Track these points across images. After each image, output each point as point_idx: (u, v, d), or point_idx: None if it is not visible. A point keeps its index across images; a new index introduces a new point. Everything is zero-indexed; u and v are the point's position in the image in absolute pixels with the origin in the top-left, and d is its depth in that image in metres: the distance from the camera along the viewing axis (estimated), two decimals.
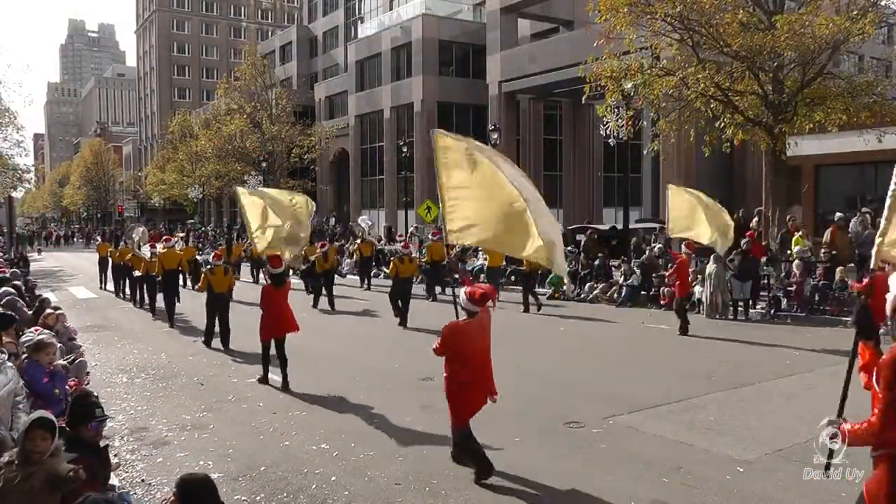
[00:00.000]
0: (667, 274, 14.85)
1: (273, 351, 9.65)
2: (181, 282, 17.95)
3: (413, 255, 17.45)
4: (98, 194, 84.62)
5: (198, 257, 22.56)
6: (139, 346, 12.85)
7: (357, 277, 23.14)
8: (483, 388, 6.08)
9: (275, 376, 9.57)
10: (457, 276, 13.29)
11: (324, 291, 17.61)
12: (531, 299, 16.42)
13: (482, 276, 19.47)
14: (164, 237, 18.91)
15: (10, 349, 6.56)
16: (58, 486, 3.86)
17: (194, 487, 3.44)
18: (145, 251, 17.45)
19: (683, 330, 12.84)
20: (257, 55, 48.09)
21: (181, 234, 37.54)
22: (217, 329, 12.47)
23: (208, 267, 13.03)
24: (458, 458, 6.20)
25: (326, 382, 9.58)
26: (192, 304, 16.21)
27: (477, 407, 6.07)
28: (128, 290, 19.94)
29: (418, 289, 17.98)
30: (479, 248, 19.48)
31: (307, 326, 12.22)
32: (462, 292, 6.22)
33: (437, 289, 19.27)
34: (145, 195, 71.80)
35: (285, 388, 9.29)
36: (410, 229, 31.83)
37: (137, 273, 17.61)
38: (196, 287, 14.62)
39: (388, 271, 16.36)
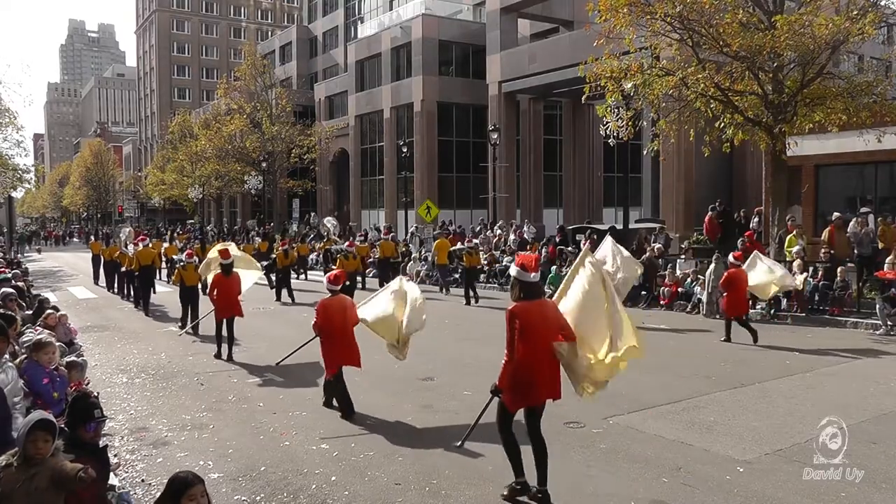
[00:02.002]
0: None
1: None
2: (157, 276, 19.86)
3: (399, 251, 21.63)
4: (98, 194, 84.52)
5: (174, 257, 24.05)
6: (139, 346, 12.85)
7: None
8: (344, 353, 8.07)
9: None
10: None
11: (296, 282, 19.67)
12: (471, 293, 18.24)
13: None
14: (140, 236, 20.69)
15: (9, 349, 6.55)
16: (64, 486, 3.86)
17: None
18: (132, 249, 19.37)
19: None
20: (257, 55, 48.07)
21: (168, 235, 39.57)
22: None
23: (181, 264, 14.80)
24: (328, 404, 8.29)
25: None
26: (169, 296, 17.08)
27: (341, 363, 8.07)
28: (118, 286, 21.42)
29: (373, 282, 20.72)
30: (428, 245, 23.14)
31: (307, 324, 12.20)
32: (326, 277, 8.61)
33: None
34: (145, 195, 71.78)
35: (229, 359, 11.18)
36: (411, 229, 31.85)
37: (124, 268, 19.36)
38: (171, 280, 16.11)
39: (334, 267, 18.31)
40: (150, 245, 19.61)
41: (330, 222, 30.62)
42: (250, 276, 13.09)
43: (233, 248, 13.14)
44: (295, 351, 9.94)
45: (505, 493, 5.58)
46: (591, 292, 5.78)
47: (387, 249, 21.25)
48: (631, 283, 13.81)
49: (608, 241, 13.53)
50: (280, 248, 20.27)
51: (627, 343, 5.61)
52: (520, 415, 5.65)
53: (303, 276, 24.83)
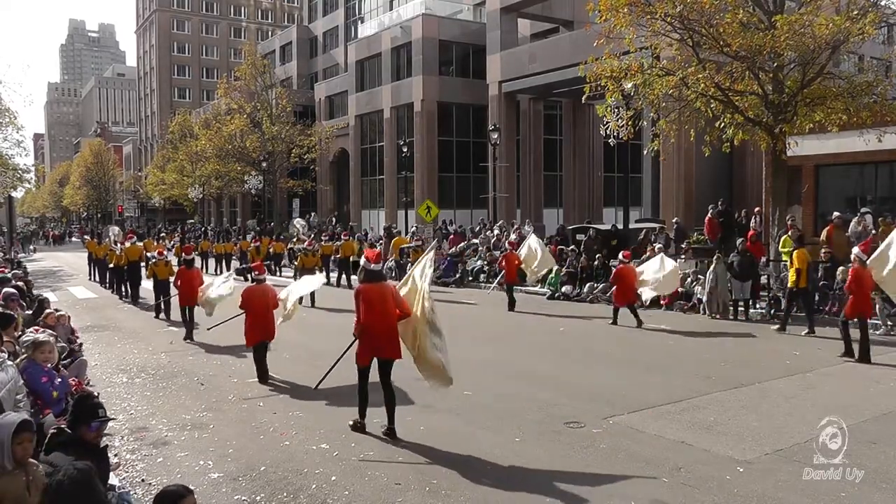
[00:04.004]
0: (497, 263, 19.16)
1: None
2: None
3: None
4: (98, 194, 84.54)
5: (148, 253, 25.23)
6: (139, 346, 12.86)
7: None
8: (260, 330, 9.75)
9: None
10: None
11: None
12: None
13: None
14: (128, 235, 22.30)
15: (9, 348, 6.56)
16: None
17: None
18: (120, 248, 20.55)
19: (511, 307, 16.43)
20: (257, 55, 48.05)
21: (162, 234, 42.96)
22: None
23: (153, 261, 17.01)
24: (263, 377, 9.73)
25: (327, 382, 9.57)
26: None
27: (257, 339, 9.75)
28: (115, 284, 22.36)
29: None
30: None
31: (306, 324, 12.36)
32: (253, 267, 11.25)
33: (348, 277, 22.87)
34: (145, 195, 71.79)
35: (188, 338, 12.99)
36: (412, 229, 31.86)
37: (112, 265, 20.96)
38: (146, 274, 18.17)
39: (297, 263, 21.09)
40: (143, 244, 21.65)
41: (299, 223, 32.43)
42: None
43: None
44: (226, 321, 11.53)
45: (350, 423, 7.36)
46: (418, 286, 7.34)
47: (347, 249, 23.94)
48: (541, 272, 18.19)
49: (533, 237, 18.59)
50: (252, 245, 22.86)
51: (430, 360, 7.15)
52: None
53: (276, 273, 26.29)
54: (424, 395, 8.88)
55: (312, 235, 28.48)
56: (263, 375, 9.72)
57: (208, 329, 12.41)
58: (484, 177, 36.35)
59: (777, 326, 13.21)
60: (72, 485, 3.19)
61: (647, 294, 15.07)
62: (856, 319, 10.73)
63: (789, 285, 13.23)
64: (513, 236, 25.17)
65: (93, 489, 3.34)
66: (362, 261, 7.58)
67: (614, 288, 14.76)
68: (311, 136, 44.64)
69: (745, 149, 21.55)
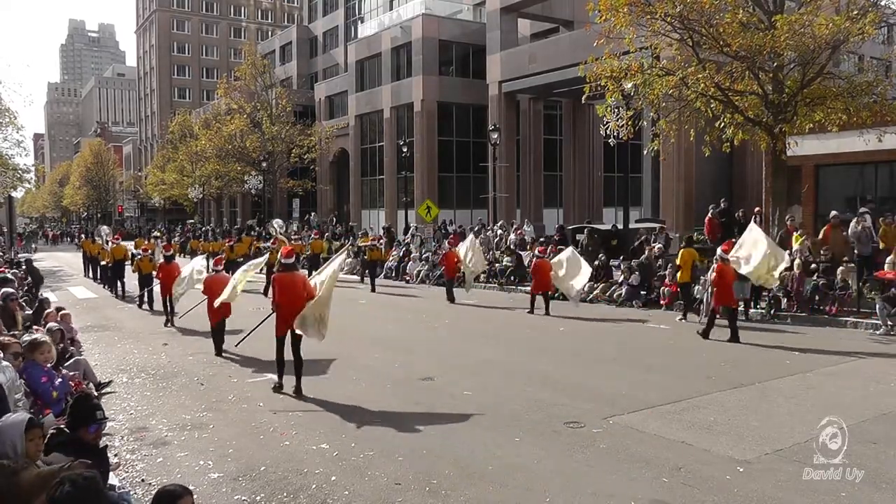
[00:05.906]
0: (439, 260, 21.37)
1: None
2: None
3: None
4: (98, 194, 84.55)
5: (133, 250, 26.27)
6: (139, 346, 12.86)
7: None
8: (219, 311, 11.55)
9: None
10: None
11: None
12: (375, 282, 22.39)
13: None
14: (115, 236, 24.00)
15: (16, 349, 6.54)
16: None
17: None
18: (110, 246, 22.09)
19: (450, 299, 18.35)
20: (257, 55, 48.06)
21: (156, 234, 45.50)
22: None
23: (138, 257, 18.92)
24: (218, 353, 11.64)
25: (327, 382, 9.59)
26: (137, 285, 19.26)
27: (218, 317, 11.65)
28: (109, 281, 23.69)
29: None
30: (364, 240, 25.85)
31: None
32: (212, 261, 13.84)
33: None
34: (145, 195, 71.81)
35: (171, 324, 14.84)
36: (411, 229, 31.87)
37: (103, 262, 23.08)
38: (132, 268, 19.71)
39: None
40: (133, 243, 23.84)
41: (277, 223, 33.47)
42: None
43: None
44: (196, 306, 13.13)
45: (273, 387, 9.14)
46: (331, 278, 9.14)
47: (316, 247, 25.60)
48: (477, 272, 19.62)
49: (471, 237, 20.20)
50: (227, 244, 25.12)
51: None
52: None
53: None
54: (424, 394, 8.89)
55: (286, 234, 29.69)
56: (219, 348, 11.63)
57: (180, 317, 14.61)
58: (484, 177, 36.35)
59: (680, 317, 14.93)
60: (78, 493, 3.16)
61: (573, 285, 16.58)
62: (722, 308, 12.62)
63: (678, 280, 15.15)
64: (512, 236, 25.21)
65: (99, 498, 3.33)
66: (279, 255, 9.45)
67: (532, 279, 16.81)
68: (311, 136, 44.64)
69: (745, 149, 21.55)
